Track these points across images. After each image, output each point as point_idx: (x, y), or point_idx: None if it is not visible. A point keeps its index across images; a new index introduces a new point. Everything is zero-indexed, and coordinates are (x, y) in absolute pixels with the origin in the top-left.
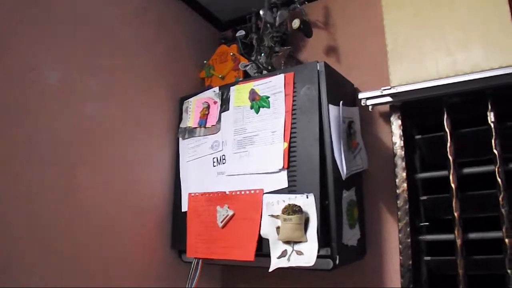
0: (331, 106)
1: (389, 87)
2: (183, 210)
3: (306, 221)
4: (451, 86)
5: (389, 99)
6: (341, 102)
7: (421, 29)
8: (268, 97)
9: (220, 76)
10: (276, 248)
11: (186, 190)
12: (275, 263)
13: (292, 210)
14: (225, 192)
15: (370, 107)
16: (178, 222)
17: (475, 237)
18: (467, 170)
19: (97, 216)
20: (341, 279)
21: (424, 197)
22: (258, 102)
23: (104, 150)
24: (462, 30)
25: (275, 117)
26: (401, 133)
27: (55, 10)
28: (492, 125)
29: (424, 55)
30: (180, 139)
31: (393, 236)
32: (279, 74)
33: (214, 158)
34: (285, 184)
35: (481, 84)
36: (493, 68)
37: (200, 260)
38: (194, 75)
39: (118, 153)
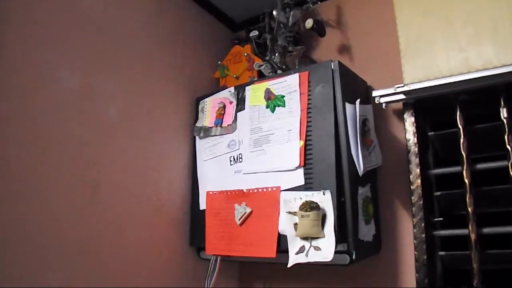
0: (347, 105)
1: (402, 85)
2: (201, 208)
3: (323, 218)
4: (463, 83)
5: (402, 96)
6: (358, 100)
7: (433, 26)
8: (284, 96)
9: (234, 76)
10: (294, 244)
11: (204, 188)
12: (293, 259)
13: (310, 206)
14: (242, 190)
15: (384, 105)
16: (196, 219)
17: (489, 232)
18: (480, 166)
19: (116, 214)
20: (357, 274)
21: (438, 193)
22: (273, 101)
23: (123, 150)
24: (474, 27)
25: (291, 116)
26: (415, 130)
27: (74, 16)
28: (505, 121)
29: (436, 52)
30: (197, 138)
31: (407, 232)
32: (294, 73)
33: (231, 157)
34: (301, 182)
35: (494, 80)
36: (505, 65)
37: (219, 257)
38: (209, 75)
39: (136, 153)
